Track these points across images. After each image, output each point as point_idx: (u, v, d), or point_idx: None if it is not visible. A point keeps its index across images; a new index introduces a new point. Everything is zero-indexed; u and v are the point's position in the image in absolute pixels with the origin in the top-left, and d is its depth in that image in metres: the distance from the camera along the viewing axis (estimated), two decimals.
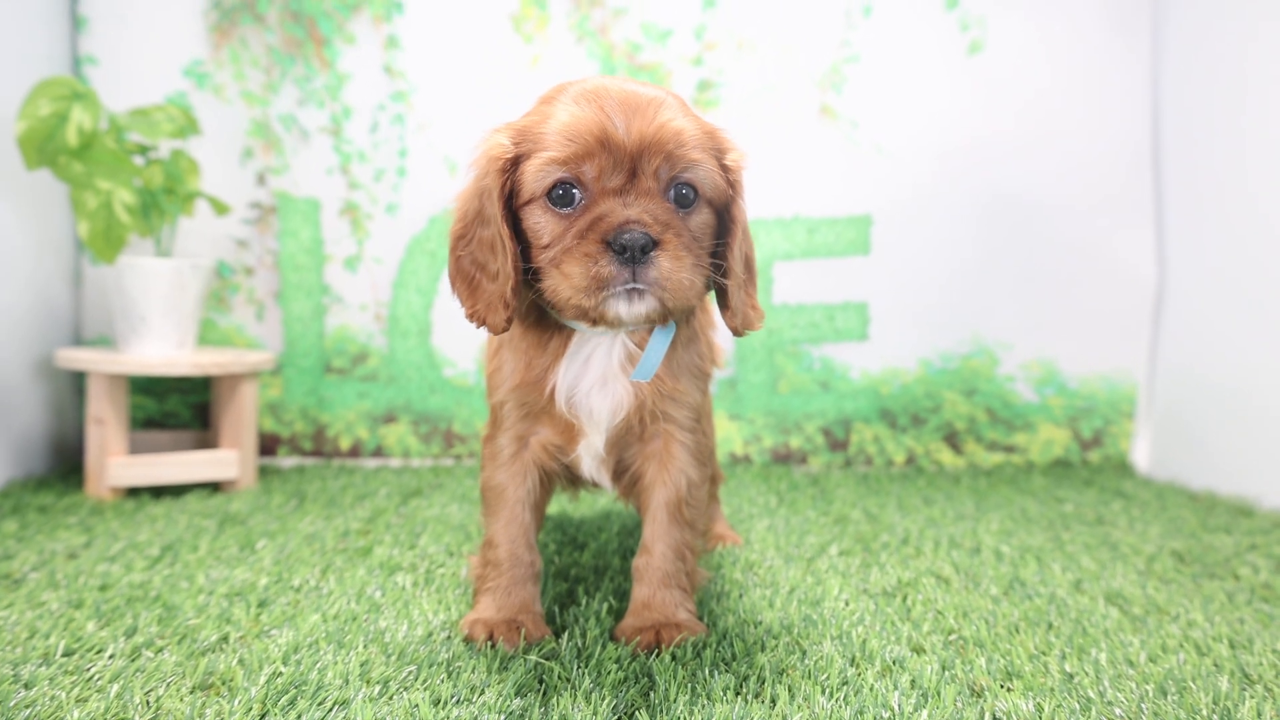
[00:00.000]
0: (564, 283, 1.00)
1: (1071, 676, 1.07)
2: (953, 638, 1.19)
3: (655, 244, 0.99)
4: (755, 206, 2.12)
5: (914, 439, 2.43)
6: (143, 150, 2.00)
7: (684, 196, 1.05)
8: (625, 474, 1.23)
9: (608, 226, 0.99)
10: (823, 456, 2.42)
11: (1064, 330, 2.44)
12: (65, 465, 2.18)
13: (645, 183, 1.02)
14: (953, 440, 2.44)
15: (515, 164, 1.06)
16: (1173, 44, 2.37)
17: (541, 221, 1.04)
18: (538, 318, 1.13)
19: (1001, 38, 2.38)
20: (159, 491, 1.95)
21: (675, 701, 0.98)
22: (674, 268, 1.00)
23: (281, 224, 2.31)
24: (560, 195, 1.03)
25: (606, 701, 0.97)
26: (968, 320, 2.43)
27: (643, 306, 1.00)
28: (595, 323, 1.05)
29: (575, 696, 0.98)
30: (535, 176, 1.03)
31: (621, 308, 1.00)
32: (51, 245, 2.16)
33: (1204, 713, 0.98)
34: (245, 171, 2.30)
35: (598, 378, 1.13)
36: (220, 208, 2.10)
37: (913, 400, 2.43)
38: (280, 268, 2.32)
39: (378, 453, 2.36)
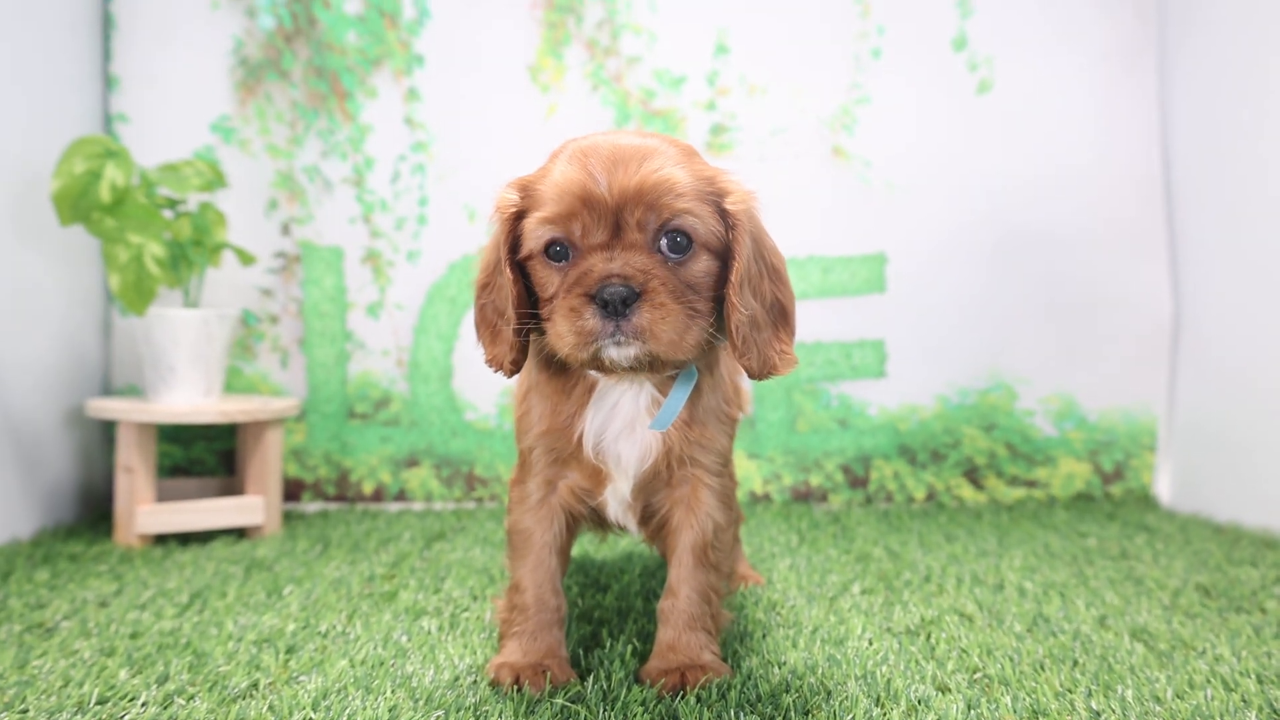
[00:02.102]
0: (557, 337, 1.05)
1: (1098, 714, 1.06)
2: (977, 676, 1.18)
3: (637, 295, 1.01)
4: None
5: (934, 475, 2.43)
6: (172, 204, 2.06)
7: (677, 245, 1.06)
8: (653, 518, 1.24)
9: (590, 281, 1.02)
10: (843, 494, 2.42)
11: (1082, 363, 2.45)
12: (94, 513, 2.21)
13: (630, 235, 1.04)
14: (973, 476, 2.43)
15: (520, 217, 1.10)
16: (1179, 76, 2.40)
17: (542, 275, 1.09)
18: (562, 364, 1.15)
19: (1010, 76, 2.42)
20: (186, 538, 1.98)
21: None
22: (656, 317, 1.01)
23: (305, 272, 2.36)
24: (556, 251, 1.07)
25: None
26: (985, 355, 2.44)
27: (631, 350, 1.03)
28: (597, 370, 1.08)
29: None
30: (532, 235, 1.08)
31: (613, 353, 1.03)
32: (82, 298, 2.22)
33: None
34: (270, 222, 2.35)
35: (625, 425, 1.15)
36: (246, 258, 2.15)
37: (932, 436, 2.43)
38: (304, 315, 2.36)
39: (400, 496, 2.38)
